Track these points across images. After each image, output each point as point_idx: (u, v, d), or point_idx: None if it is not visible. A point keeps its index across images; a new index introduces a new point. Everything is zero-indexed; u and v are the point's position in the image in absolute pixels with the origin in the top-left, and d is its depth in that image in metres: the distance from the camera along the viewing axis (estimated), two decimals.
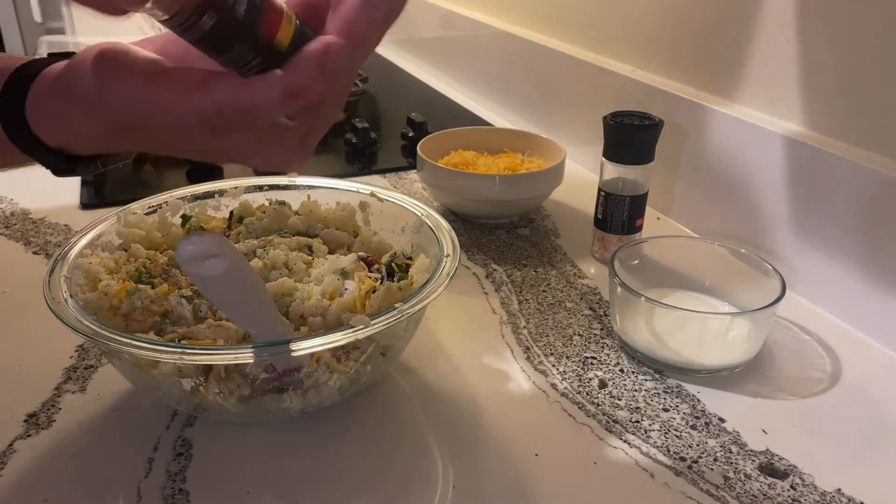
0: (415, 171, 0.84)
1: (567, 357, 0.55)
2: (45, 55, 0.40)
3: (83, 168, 0.39)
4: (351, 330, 0.41)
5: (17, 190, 0.81)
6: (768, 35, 0.65)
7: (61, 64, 0.36)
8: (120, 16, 0.28)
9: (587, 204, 0.76)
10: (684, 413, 0.49)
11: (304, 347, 0.40)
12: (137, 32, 1.54)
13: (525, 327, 0.59)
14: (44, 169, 0.39)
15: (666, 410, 0.50)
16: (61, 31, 1.63)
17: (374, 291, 0.48)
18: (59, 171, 0.39)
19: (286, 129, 0.35)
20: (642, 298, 0.51)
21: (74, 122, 0.36)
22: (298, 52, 0.31)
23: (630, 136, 0.64)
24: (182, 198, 0.57)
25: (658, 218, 0.78)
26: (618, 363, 0.54)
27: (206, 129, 0.32)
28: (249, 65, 0.31)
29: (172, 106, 0.32)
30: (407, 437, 0.47)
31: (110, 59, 0.33)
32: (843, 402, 0.51)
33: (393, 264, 0.52)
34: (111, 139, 0.36)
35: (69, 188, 0.82)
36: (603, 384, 0.52)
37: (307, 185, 0.60)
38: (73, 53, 0.37)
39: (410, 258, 0.53)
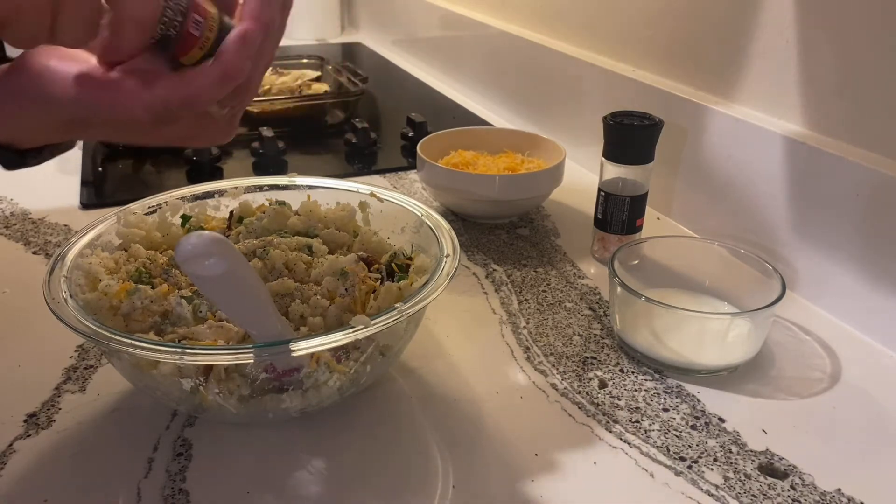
0: (415, 171, 0.84)
1: (567, 357, 0.55)
2: None
3: (32, 158, 0.42)
4: (351, 330, 0.41)
5: (17, 190, 0.81)
6: (768, 35, 0.65)
7: (3, 67, 0.39)
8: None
9: (587, 204, 0.76)
10: (684, 413, 0.49)
11: (304, 347, 0.40)
12: None
13: (525, 327, 0.59)
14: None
15: (666, 410, 0.50)
16: None
17: (374, 291, 0.48)
18: (9, 165, 0.42)
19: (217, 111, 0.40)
20: (642, 298, 0.51)
21: (25, 120, 0.39)
22: (223, 42, 0.36)
23: (630, 136, 0.64)
24: (182, 198, 0.57)
25: (658, 218, 0.78)
26: (618, 363, 0.54)
27: (155, 121, 0.36)
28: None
29: (123, 104, 0.36)
30: (407, 437, 0.47)
31: (55, 63, 0.37)
32: (843, 402, 0.51)
33: (393, 264, 0.52)
34: (62, 132, 0.40)
35: (69, 188, 0.82)
36: (603, 384, 0.52)
37: (307, 185, 0.60)
38: (10, 59, 0.41)
39: (410, 258, 0.53)
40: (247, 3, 0.37)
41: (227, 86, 0.36)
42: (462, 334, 0.58)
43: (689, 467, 0.45)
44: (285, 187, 0.60)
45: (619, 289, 0.53)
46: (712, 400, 0.51)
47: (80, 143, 0.92)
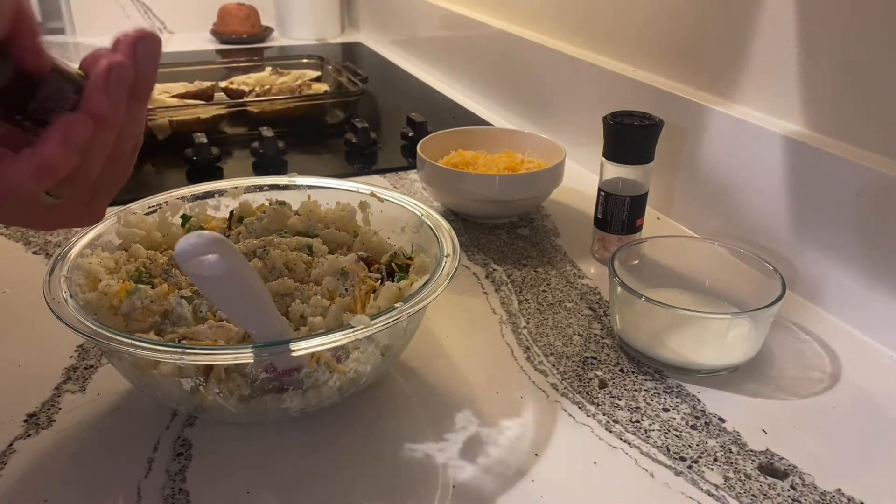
0: (415, 171, 0.84)
1: (567, 357, 0.55)
2: None
3: None
4: (351, 330, 0.41)
5: None
6: (768, 35, 0.65)
7: None
8: None
9: (587, 204, 0.76)
10: (684, 413, 0.49)
11: (304, 347, 0.40)
12: None
13: (525, 327, 0.59)
14: None
15: (666, 410, 0.50)
16: (61, 31, 1.62)
17: (374, 291, 0.48)
18: None
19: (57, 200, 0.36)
20: (642, 298, 0.51)
21: None
22: (45, 131, 0.32)
23: (630, 136, 0.64)
24: (182, 198, 0.57)
25: (658, 218, 0.78)
26: (618, 363, 0.54)
27: None
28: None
29: None
30: (407, 437, 0.47)
31: None
32: (843, 402, 0.51)
33: (393, 264, 0.52)
34: None
35: None
36: (603, 384, 0.52)
37: (307, 185, 0.60)
38: None
39: (410, 258, 0.53)
40: (88, 89, 0.34)
41: (47, 178, 0.33)
42: (462, 334, 0.58)
43: (690, 467, 0.45)
44: (285, 187, 0.60)
45: (619, 289, 0.53)
46: (712, 400, 0.51)
47: None
